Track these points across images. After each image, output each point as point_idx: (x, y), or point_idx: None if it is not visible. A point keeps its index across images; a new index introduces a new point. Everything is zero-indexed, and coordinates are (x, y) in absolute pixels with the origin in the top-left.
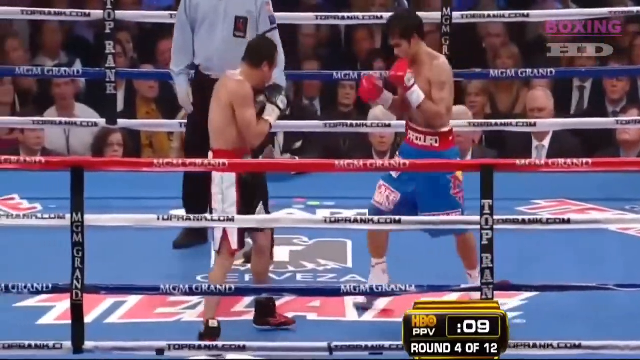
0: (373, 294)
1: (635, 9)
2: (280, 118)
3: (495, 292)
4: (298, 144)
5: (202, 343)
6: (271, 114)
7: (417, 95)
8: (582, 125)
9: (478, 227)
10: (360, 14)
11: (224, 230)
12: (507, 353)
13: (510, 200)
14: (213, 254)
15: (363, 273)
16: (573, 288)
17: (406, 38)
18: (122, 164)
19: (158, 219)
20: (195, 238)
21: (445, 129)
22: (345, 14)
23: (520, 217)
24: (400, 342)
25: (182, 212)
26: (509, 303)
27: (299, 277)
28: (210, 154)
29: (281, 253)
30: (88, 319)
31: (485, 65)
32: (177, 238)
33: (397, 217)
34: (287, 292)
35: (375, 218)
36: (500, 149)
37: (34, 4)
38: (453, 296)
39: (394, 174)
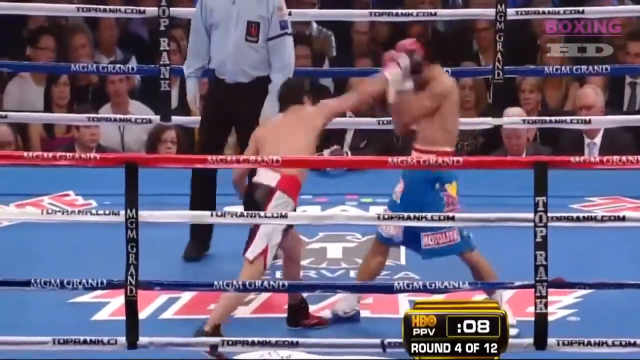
0: (426, 291)
1: None
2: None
3: (549, 290)
4: (363, 143)
5: (255, 339)
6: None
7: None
8: (638, 122)
9: (532, 224)
10: (414, 11)
11: (266, 248)
12: (561, 351)
13: (564, 198)
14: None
15: (417, 270)
16: (628, 286)
17: None
18: (176, 161)
19: (211, 215)
20: (200, 251)
21: (447, 149)
22: (400, 11)
23: (574, 215)
24: None
25: (236, 208)
26: (563, 300)
27: (352, 273)
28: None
29: (334, 250)
30: (142, 314)
31: (539, 63)
32: (185, 252)
33: (450, 214)
34: (341, 288)
35: (429, 215)
36: (553, 146)
37: (90, 1)
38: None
39: (397, 199)
